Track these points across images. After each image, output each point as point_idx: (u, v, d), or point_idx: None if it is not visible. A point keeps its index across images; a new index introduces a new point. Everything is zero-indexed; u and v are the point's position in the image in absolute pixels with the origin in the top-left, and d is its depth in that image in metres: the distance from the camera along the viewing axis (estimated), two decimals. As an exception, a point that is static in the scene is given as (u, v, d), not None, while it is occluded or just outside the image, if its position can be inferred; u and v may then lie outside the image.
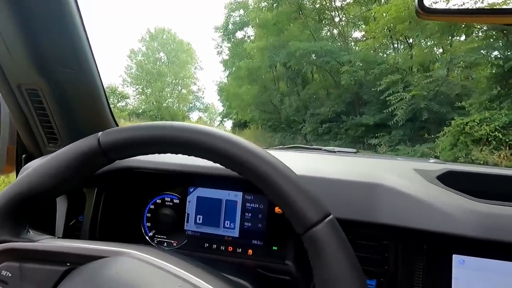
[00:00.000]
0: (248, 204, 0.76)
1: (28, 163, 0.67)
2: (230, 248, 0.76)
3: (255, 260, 0.74)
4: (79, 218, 0.73)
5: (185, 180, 0.78)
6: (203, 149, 0.39)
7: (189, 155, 0.41)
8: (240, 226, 0.76)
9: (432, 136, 8.13)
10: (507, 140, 5.44)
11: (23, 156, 0.81)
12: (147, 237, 0.80)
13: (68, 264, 0.42)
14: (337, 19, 15.68)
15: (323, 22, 16.06)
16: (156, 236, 0.80)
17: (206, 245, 0.78)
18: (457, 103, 8.53)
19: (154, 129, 0.41)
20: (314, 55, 14.01)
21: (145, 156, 0.42)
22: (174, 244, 0.79)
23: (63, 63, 0.67)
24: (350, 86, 12.69)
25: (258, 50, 16.87)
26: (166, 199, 0.80)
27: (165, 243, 0.79)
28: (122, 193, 0.74)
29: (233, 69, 22.20)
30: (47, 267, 0.42)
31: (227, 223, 0.77)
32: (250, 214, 0.76)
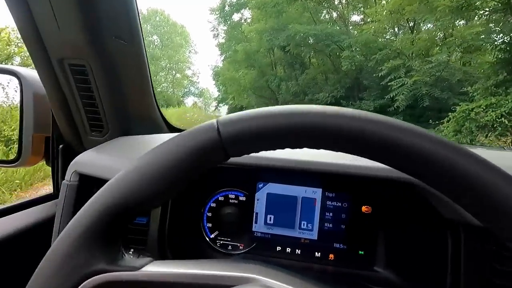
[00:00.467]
0: (328, 202, 0.66)
1: (79, 156, 0.56)
2: (308, 252, 0.67)
3: (337, 266, 0.65)
4: (137, 219, 0.62)
5: (252, 174, 0.67)
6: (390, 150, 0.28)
7: (348, 152, 0.30)
8: (320, 227, 0.66)
9: (432, 122, 8.10)
10: (513, 126, 5.42)
11: (60, 146, 0.68)
12: (208, 239, 0.69)
13: None
14: (336, 1, 15.28)
15: (323, 4, 15.63)
16: (219, 238, 0.69)
17: (279, 248, 0.68)
18: (460, 89, 8.48)
19: (292, 116, 0.29)
20: (313, 38, 13.71)
21: None
22: (241, 248, 0.69)
23: (116, 32, 0.54)
24: (350, 71, 12.52)
25: (256, 33, 16.41)
26: (230, 196, 0.69)
27: (230, 246, 0.69)
28: (186, 191, 0.63)
29: (230, 52, 21.67)
30: None
31: (304, 223, 0.67)
32: (331, 214, 0.66)
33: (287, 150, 0.55)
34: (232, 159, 0.54)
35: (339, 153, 0.54)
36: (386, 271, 0.62)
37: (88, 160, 0.54)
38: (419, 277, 0.53)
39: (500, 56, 6.72)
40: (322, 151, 0.54)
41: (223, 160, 0.32)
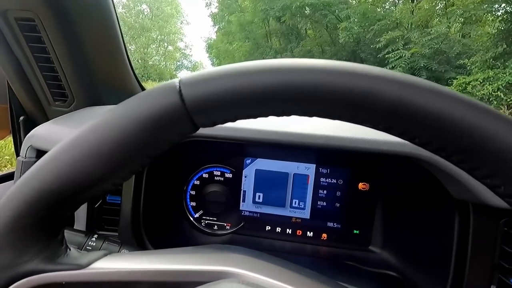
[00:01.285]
0: (322, 179, 0.60)
1: (36, 129, 0.48)
2: (299, 232, 0.62)
3: (330, 246, 0.61)
4: (107, 198, 0.56)
5: (239, 149, 0.60)
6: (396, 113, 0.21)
7: (349, 120, 0.23)
8: (312, 206, 0.61)
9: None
10: (508, 99, 5.37)
11: (21, 118, 0.60)
12: (192, 219, 0.64)
13: None
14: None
15: (321, -30, 14.84)
16: (204, 217, 0.64)
17: (268, 228, 0.63)
18: (457, 62, 8.32)
19: (279, 72, 0.22)
20: (310, 8, 13.13)
21: None
22: (227, 227, 0.64)
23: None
24: (347, 44, 12.16)
25: (250, 1, 15.65)
26: (216, 173, 0.63)
27: (216, 226, 0.64)
28: (165, 167, 0.56)
29: (223, 23, 20.80)
30: None
31: (295, 202, 0.61)
32: (325, 191, 0.60)
33: (275, 120, 0.49)
34: (211, 132, 0.47)
35: (336, 123, 0.48)
36: (383, 252, 0.57)
37: (46, 134, 0.46)
38: (419, 259, 0.49)
39: (501, 27, 6.52)
40: (316, 121, 0.48)
41: (189, 132, 0.24)
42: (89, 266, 0.25)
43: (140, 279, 0.25)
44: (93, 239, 0.40)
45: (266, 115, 0.23)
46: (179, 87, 0.22)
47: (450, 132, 0.19)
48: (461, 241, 0.41)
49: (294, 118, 0.48)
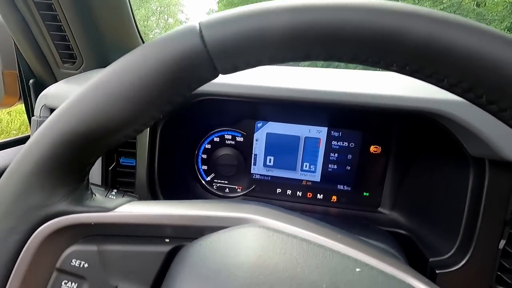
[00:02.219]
0: (334, 143, 0.60)
1: (48, 89, 0.48)
2: (309, 194, 0.63)
3: (340, 208, 0.62)
4: (121, 161, 0.57)
5: (250, 112, 0.60)
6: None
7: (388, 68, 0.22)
8: (323, 169, 0.61)
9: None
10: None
11: (31, 81, 0.60)
12: (204, 182, 0.65)
13: (167, 240, 0.26)
14: None
15: None
16: (216, 181, 0.65)
17: (279, 190, 0.64)
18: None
19: (312, 10, 0.20)
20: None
21: None
22: (239, 190, 0.65)
23: None
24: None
25: (253, -30, 14.91)
26: (227, 136, 0.63)
27: (227, 189, 0.65)
28: (177, 131, 0.57)
29: (226, -6, 19.94)
30: (140, 249, 0.26)
31: (306, 165, 0.62)
32: (336, 155, 0.60)
33: (287, 79, 0.47)
34: (225, 89, 0.47)
35: (347, 82, 0.46)
36: (392, 213, 0.59)
37: (59, 92, 0.46)
38: (429, 218, 0.49)
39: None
40: (328, 80, 0.46)
41: (210, 77, 0.23)
42: (115, 210, 0.26)
43: (165, 222, 0.26)
44: (113, 192, 0.41)
45: (288, 60, 0.22)
46: (200, 28, 0.21)
47: (484, 70, 0.18)
48: (474, 198, 0.41)
49: (306, 77, 0.47)
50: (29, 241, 0.23)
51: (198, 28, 0.21)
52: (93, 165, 0.26)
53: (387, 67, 0.21)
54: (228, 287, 0.18)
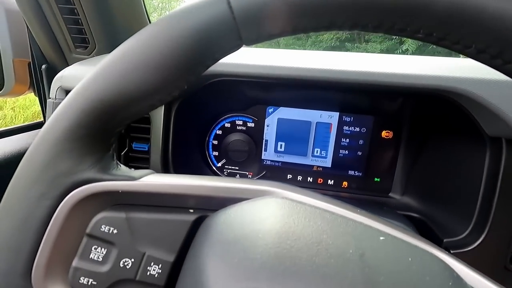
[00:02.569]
0: (346, 128, 0.60)
1: (63, 71, 0.48)
2: (320, 180, 0.63)
3: (351, 193, 0.62)
4: (133, 146, 0.57)
5: (262, 97, 0.60)
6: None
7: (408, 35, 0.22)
8: (334, 155, 0.61)
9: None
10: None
11: (43, 66, 0.60)
12: (215, 168, 0.66)
13: (191, 210, 0.27)
14: None
15: None
16: (226, 166, 0.66)
17: (290, 176, 0.64)
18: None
19: None
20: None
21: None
22: (250, 176, 0.65)
23: None
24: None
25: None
26: (238, 122, 0.63)
27: (238, 175, 0.66)
28: (189, 116, 0.57)
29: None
30: (166, 217, 0.26)
31: (317, 151, 0.62)
32: (347, 140, 0.61)
33: (297, 60, 0.47)
34: (238, 69, 0.47)
35: (362, 62, 0.46)
36: (403, 197, 0.59)
37: (74, 74, 0.46)
38: (443, 201, 0.50)
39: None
40: (341, 60, 0.46)
41: (235, 48, 0.24)
42: (141, 179, 0.26)
43: (189, 192, 0.26)
44: (132, 169, 0.42)
45: (312, 29, 0.22)
46: None
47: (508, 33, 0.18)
48: (490, 178, 0.41)
49: (317, 58, 0.46)
50: (59, 207, 0.24)
51: None
52: (118, 136, 0.27)
53: (413, 34, 0.21)
54: (255, 252, 0.18)
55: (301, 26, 0.22)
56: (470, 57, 0.20)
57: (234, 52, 0.23)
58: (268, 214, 0.23)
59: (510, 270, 0.41)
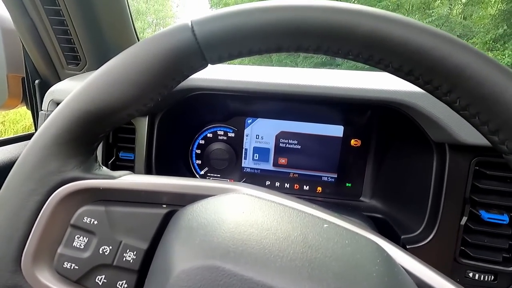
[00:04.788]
0: (317, 138, 0.65)
1: (56, 85, 0.52)
2: (296, 186, 0.68)
3: (325, 197, 0.67)
4: (120, 155, 0.61)
5: (241, 109, 0.65)
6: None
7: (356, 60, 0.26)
8: (308, 162, 0.66)
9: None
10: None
11: (36, 81, 0.64)
12: (197, 176, 0.70)
13: (164, 205, 0.31)
14: None
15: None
16: (209, 174, 0.70)
17: (268, 183, 0.69)
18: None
19: (269, 12, 0.26)
20: (309, -10, 12.82)
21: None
22: (230, 183, 0.69)
23: None
24: (346, 26, 11.96)
25: (248, -17, 15.27)
26: (219, 132, 0.68)
27: (220, 182, 0.69)
28: (172, 127, 0.61)
29: (221, 6, 20.36)
30: (141, 211, 0.30)
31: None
32: (319, 149, 0.65)
33: (272, 76, 0.53)
34: (217, 84, 0.52)
35: (324, 75, 0.52)
36: (372, 200, 0.63)
37: (65, 89, 0.51)
38: (402, 201, 0.54)
39: (502, 7, 6.45)
40: (309, 76, 0.52)
41: (200, 67, 0.28)
42: (120, 178, 0.30)
43: (163, 189, 0.30)
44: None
45: (264, 51, 0.27)
46: (191, 25, 0.26)
47: (416, 54, 0.23)
48: (437, 180, 0.47)
49: (285, 74, 0.52)
50: (47, 202, 0.27)
51: (190, 25, 0.26)
52: (101, 141, 0.31)
53: (345, 56, 0.26)
54: (213, 235, 0.21)
55: (255, 49, 0.27)
56: (391, 74, 0.26)
57: (216, 69, 0.28)
58: (228, 206, 0.28)
59: (460, 262, 0.46)
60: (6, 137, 0.66)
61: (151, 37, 0.28)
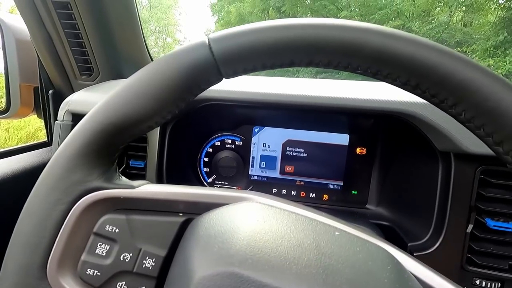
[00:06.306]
0: (323, 146, 0.66)
1: (71, 96, 0.54)
2: (303, 194, 0.69)
3: (331, 205, 0.68)
4: (130, 163, 0.62)
5: (248, 118, 0.67)
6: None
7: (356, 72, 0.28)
8: (315, 170, 0.67)
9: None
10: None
11: (50, 91, 0.66)
12: (206, 183, 0.71)
13: (180, 214, 0.32)
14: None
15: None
16: (216, 182, 0.71)
17: (275, 190, 0.70)
18: (457, 50, 8.30)
19: (283, 30, 0.27)
20: (310, -2, 13.02)
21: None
22: (238, 191, 0.70)
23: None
24: (347, 34, 12.06)
25: (250, -8, 15.48)
26: (227, 141, 0.69)
27: (227, 190, 0.70)
28: (182, 136, 0.63)
29: (222, 14, 20.59)
30: (159, 219, 0.31)
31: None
32: (326, 156, 0.67)
33: (280, 87, 0.54)
34: (227, 95, 0.53)
35: (330, 85, 0.53)
36: (378, 208, 0.64)
37: (81, 99, 0.52)
38: (408, 209, 0.55)
39: (502, 14, 6.50)
40: (315, 87, 0.53)
41: (216, 81, 0.30)
42: (139, 188, 0.31)
43: (180, 198, 0.31)
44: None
45: (277, 66, 0.28)
46: (209, 42, 0.28)
47: (423, 69, 0.25)
48: (443, 188, 0.47)
49: (292, 85, 0.54)
50: (71, 211, 0.29)
51: (207, 42, 0.28)
52: (121, 152, 0.33)
53: (354, 70, 0.28)
54: (230, 242, 0.22)
55: (268, 64, 0.29)
56: (399, 87, 0.27)
57: (225, 80, 0.30)
58: (243, 215, 0.29)
59: (467, 270, 0.46)
60: (21, 145, 0.68)
61: (170, 54, 0.29)
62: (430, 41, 0.26)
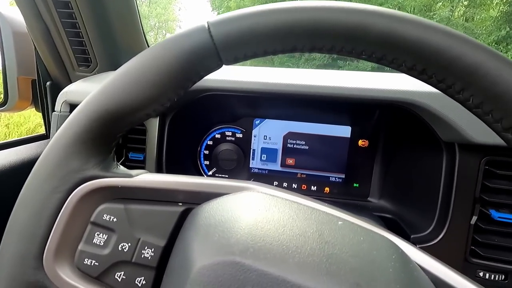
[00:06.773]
0: (325, 138, 0.65)
1: (68, 87, 0.53)
2: (304, 186, 0.68)
3: (333, 198, 0.67)
4: (130, 156, 0.61)
5: (249, 110, 0.66)
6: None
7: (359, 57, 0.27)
8: (316, 162, 0.67)
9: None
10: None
11: (48, 83, 0.65)
12: (206, 177, 0.70)
13: (180, 204, 0.31)
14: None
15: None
16: (217, 175, 0.70)
17: (275, 183, 0.69)
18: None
19: (284, 13, 0.26)
20: (311, -7, 12.88)
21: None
22: (238, 184, 0.70)
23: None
24: (348, 29, 11.98)
25: (250, -13, 15.37)
26: (227, 133, 0.68)
27: (228, 183, 0.70)
28: (181, 128, 0.62)
29: (222, 9, 20.47)
30: (158, 209, 0.31)
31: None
32: (327, 149, 0.66)
33: (280, 77, 0.53)
34: (226, 85, 0.52)
35: (332, 75, 0.52)
36: (380, 201, 0.64)
37: (78, 90, 0.51)
38: (411, 201, 0.55)
39: (504, 9, 6.44)
40: (317, 77, 0.52)
41: (216, 67, 0.29)
42: (137, 176, 0.31)
43: (179, 188, 0.30)
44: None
45: (279, 52, 0.27)
46: (208, 26, 0.26)
47: (429, 53, 0.24)
48: (447, 179, 0.47)
49: (294, 75, 0.52)
50: (68, 199, 0.28)
51: (207, 26, 0.27)
52: (118, 140, 0.32)
53: (358, 56, 0.27)
54: (231, 231, 0.22)
55: (270, 49, 0.27)
56: (404, 73, 0.26)
57: (225, 70, 0.29)
58: (244, 204, 0.28)
59: (470, 262, 0.46)
60: (19, 137, 0.67)
61: (168, 39, 0.28)
62: (437, 24, 0.24)
